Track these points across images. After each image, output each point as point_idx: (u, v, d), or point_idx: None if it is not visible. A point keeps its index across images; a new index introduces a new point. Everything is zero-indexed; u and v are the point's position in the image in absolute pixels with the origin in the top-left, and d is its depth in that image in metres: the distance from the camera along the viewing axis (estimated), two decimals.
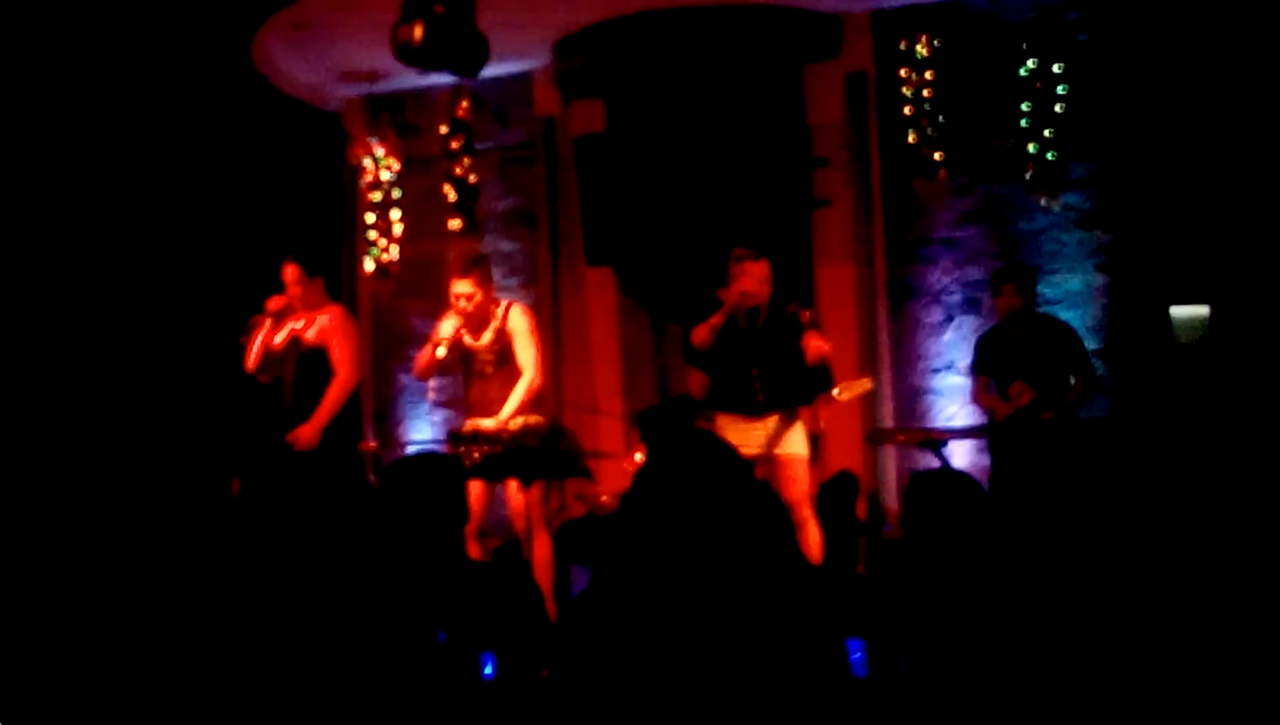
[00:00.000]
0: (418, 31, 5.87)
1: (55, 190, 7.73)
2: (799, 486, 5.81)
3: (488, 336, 5.88)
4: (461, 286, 5.86)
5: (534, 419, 5.85)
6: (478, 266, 5.99)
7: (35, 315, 7.64)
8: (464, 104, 8.49)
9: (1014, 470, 6.42)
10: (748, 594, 2.71)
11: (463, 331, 5.88)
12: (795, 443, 5.87)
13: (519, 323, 5.89)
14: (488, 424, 5.78)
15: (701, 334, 5.81)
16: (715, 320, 5.77)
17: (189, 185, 8.28)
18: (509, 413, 5.77)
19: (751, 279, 5.79)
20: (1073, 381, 6.52)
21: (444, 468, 3.59)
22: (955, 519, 3.87)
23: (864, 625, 3.79)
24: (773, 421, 5.84)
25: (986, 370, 6.66)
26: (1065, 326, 6.71)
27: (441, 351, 5.80)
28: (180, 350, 8.02)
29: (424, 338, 6.12)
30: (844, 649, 3.27)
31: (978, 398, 6.78)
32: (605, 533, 6.34)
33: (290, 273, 6.20)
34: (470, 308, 5.84)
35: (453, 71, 6.39)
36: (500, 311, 5.92)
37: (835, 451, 7.41)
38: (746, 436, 5.73)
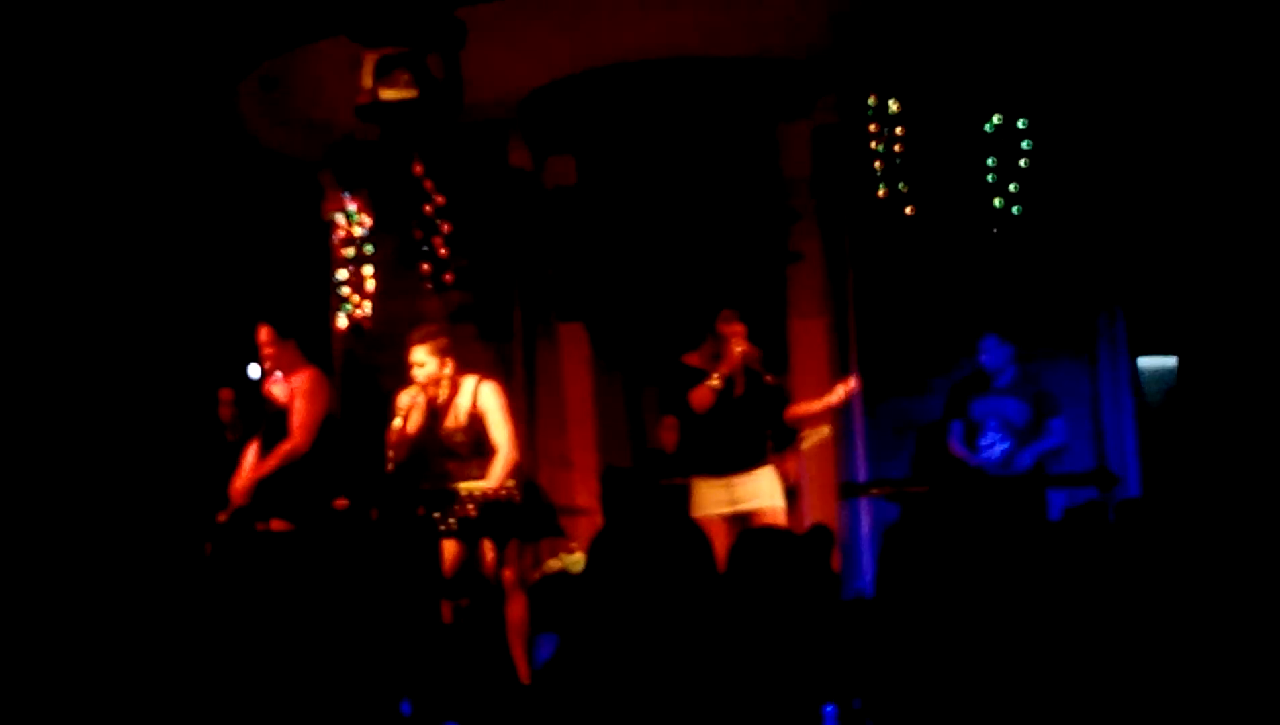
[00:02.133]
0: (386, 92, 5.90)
1: (43, 239, 7.71)
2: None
3: (460, 418, 5.75)
4: (415, 354, 5.76)
5: (507, 481, 5.77)
6: (433, 336, 5.89)
7: (12, 362, 7.60)
8: (434, 158, 8.49)
9: (978, 525, 6.41)
10: (715, 657, 2.70)
11: (428, 412, 5.77)
12: (774, 495, 5.89)
13: (490, 401, 5.76)
14: (463, 486, 5.69)
15: (705, 398, 5.77)
16: (716, 383, 5.77)
17: (171, 239, 8.28)
18: (494, 482, 5.62)
19: (743, 339, 5.82)
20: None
21: (419, 529, 3.56)
22: (929, 576, 3.87)
23: (838, 688, 3.78)
24: (750, 477, 5.85)
25: (958, 418, 6.68)
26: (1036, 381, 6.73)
27: (398, 422, 5.72)
28: (160, 402, 7.99)
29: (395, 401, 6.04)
30: (819, 715, 3.26)
31: (953, 447, 6.80)
32: (572, 595, 6.30)
33: (263, 334, 6.21)
34: (423, 378, 5.77)
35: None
36: (470, 391, 5.79)
37: (810, 504, 7.41)
38: (729, 493, 5.77)
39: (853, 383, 6.20)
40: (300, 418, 6.13)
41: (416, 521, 5.14)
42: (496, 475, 5.67)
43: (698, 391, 5.80)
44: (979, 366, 6.64)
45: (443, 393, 5.79)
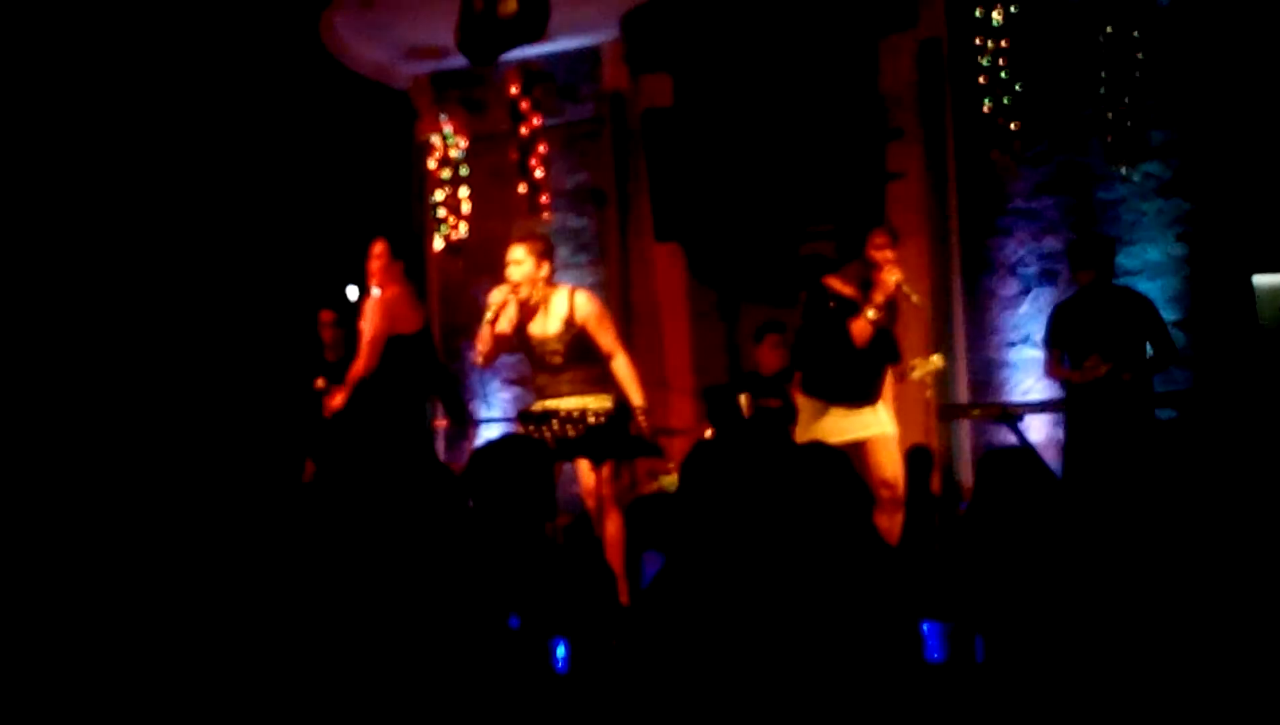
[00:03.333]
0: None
1: (133, 170, 7.81)
2: (896, 466, 5.76)
3: (555, 326, 5.69)
4: (514, 252, 5.73)
5: (605, 399, 5.76)
6: (533, 237, 5.89)
7: (114, 291, 7.74)
8: (531, 80, 8.46)
9: (1089, 444, 6.30)
10: (818, 576, 2.67)
11: (519, 315, 5.75)
12: (889, 422, 5.83)
13: (588, 309, 5.70)
14: (566, 404, 5.69)
15: (865, 331, 5.64)
16: (874, 315, 5.62)
17: (261, 167, 8.34)
18: (639, 397, 5.65)
19: (896, 265, 5.66)
20: (1150, 354, 6.40)
21: (534, 451, 3.56)
22: (1029, 497, 3.80)
23: (940, 607, 3.74)
24: (875, 408, 5.80)
25: (1060, 343, 6.54)
26: (1143, 298, 6.56)
27: (488, 316, 5.72)
28: (254, 331, 8.10)
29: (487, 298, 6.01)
30: (919, 632, 3.23)
31: (1051, 371, 6.66)
32: (672, 513, 6.30)
33: (378, 247, 6.30)
34: (518, 276, 5.72)
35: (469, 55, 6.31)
36: (565, 299, 5.73)
37: (909, 427, 7.32)
38: (853, 422, 5.69)
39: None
40: (364, 337, 6.22)
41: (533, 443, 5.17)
42: (632, 381, 5.67)
43: (857, 324, 5.63)
44: (1081, 286, 6.50)
45: (535, 295, 5.76)
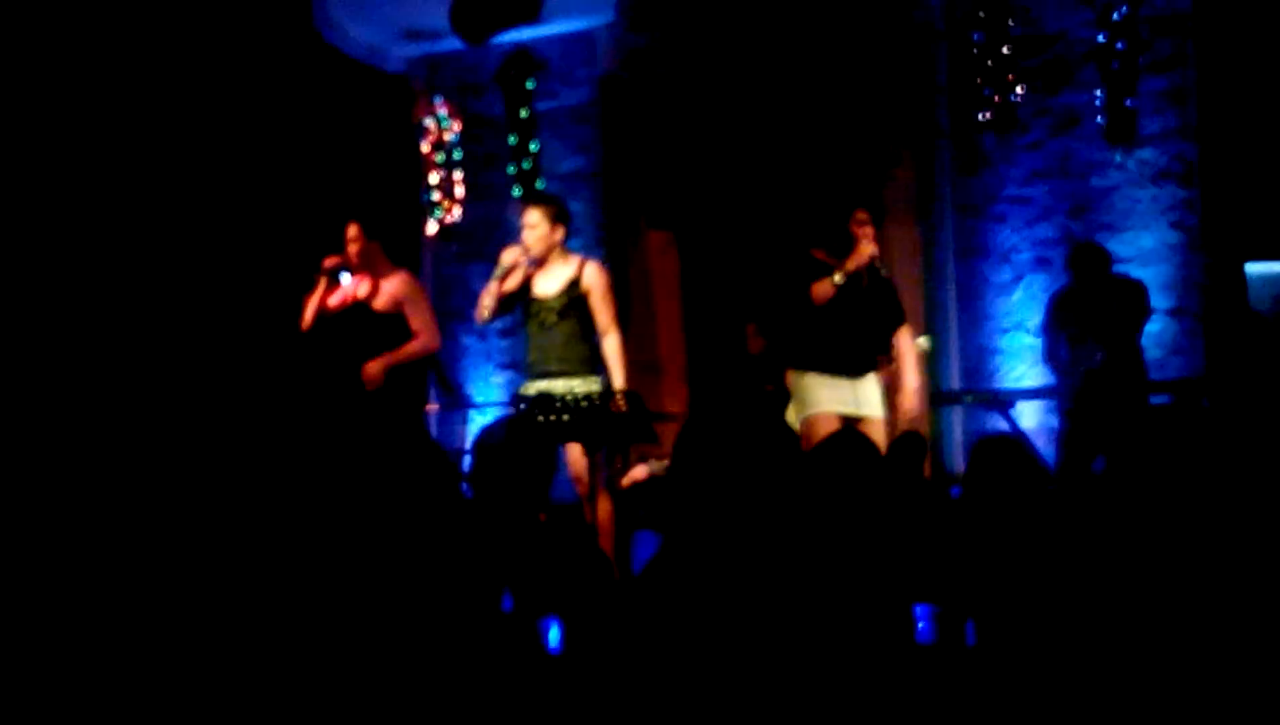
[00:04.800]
0: None
1: (121, 155, 7.77)
2: (881, 449, 5.79)
3: (556, 285, 5.76)
4: (529, 215, 5.80)
5: (593, 382, 5.79)
6: (548, 201, 5.98)
7: (100, 276, 7.71)
8: (525, 64, 8.45)
9: (1085, 431, 6.34)
10: (810, 559, 2.68)
11: (531, 272, 5.80)
12: (878, 404, 5.85)
13: (595, 280, 5.77)
14: (557, 387, 5.72)
15: (825, 291, 5.68)
16: (838, 278, 5.68)
17: (252, 151, 8.30)
18: (621, 380, 5.71)
19: (872, 240, 5.78)
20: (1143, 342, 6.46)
21: (535, 432, 3.57)
22: (1020, 482, 3.81)
23: (930, 590, 3.75)
24: (866, 381, 5.81)
25: (1059, 330, 6.57)
26: (1138, 286, 6.60)
27: (498, 272, 5.76)
28: (245, 319, 8.07)
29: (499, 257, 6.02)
30: (910, 615, 3.24)
31: (1050, 357, 6.70)
32: (663, 495, 6.32)
33: (352, 230, 6.28)
34: (532, 239, 5.78)
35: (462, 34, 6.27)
36: (575, 265, 5.80)
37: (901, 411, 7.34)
38: (838, 394, 5.70)
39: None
40: (422, 317, 6.23)
41: (534, 424, 5.18)
42: (617, 362, 5.74)
43: (819, 283, 5.70)
44: (1075, 277, 6.53)
45: (550, 257, 5.81)
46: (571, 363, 5.75)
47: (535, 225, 5.76)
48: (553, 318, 5.77)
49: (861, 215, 5.82)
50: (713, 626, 2.43)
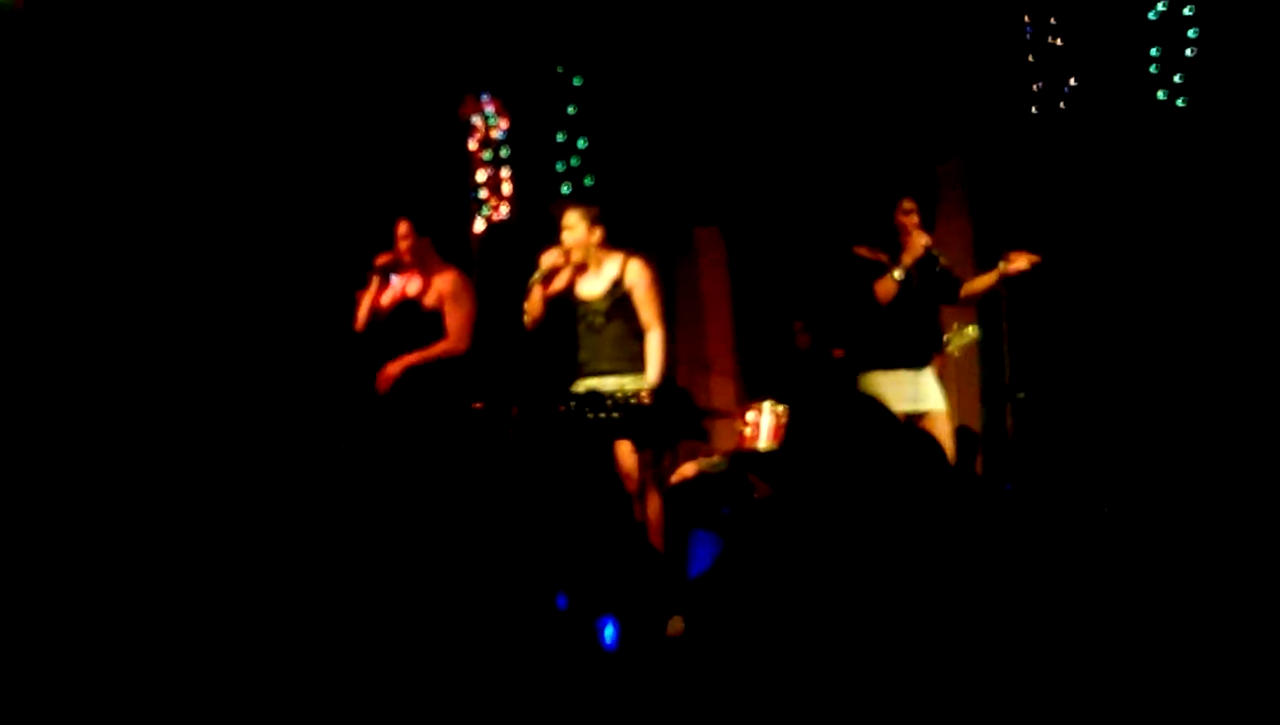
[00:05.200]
0: None
1: (177, 153, 7.83)
2: (948, 442, 5.72)
3: (601, 286, 5.75)
4: (568, 217, 5.80)
5: (643, 379, 5.74)
6: (588, 204, 5.95)
7: (153, 267, 7.76)
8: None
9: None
10: (908, 555, 2.66)
11: (573, 277, 5.79)
12: (940, 397, 5.78)
13: (638, 276, 5.73)
14: (606, 385, 5.70)
15: (889, 289, 5.62)
16: (899, 275, 5.61)
17: (302, 148, 8.33)
18: (655, 376, 5.66)
19: (922, 229, 5.71)
20: None
21: (590, 430, 3.56)
22: (1066, 476, 3.77)
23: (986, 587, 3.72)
24: (926, 374, 5.75)
25: None
26: None
27: (538, 276, 5.75)
28: (297, 312, 8.10)
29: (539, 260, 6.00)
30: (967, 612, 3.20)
31: None
32: (720, 490, 6.27)
33: (402, 228, 6.31)
34: (570, 241, 5.76)
35: None
36: (618, 263, 5.78)
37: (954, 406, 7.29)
38: (900, 390, 5.62)
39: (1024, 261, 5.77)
40: (455, 318, 6.23)
41: (560, 420, 5.18)
42: (656, 358, 5.68)
43: (882, 283, 5.63)
44: None
45: (590, 260, 5.79)
46: (622, 362, 5.72)
47: (573, 227, 5.76)
48: (600, 320, 5.76)
49: (908, 204, 5.75)
50: (789, 623, 2.41)
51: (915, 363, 5.71)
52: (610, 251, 5.83)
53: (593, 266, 5.79)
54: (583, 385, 5.78)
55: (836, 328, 5.98)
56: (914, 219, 5.72)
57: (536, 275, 5.78)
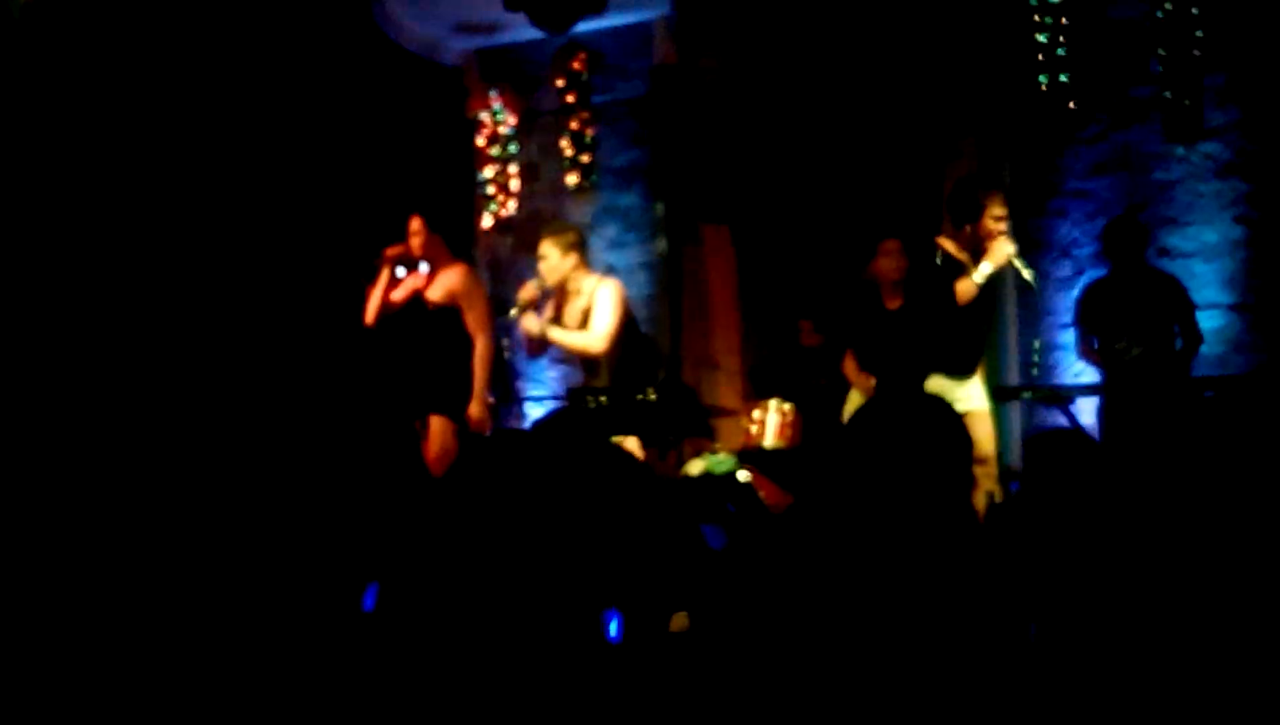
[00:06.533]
0: None
1: (188, 151, 7.85)
2: (991, 443, 5.71)
3: (578, 317, 5.75)
4: (542, 247, 5.80)
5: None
6: (561, 231, 5.91)
7: (159, 273, 7.78)
8: (580, 56, 8.45)
9: (1125, 429, 6.28)
10: (926, 555, 2.66)
11: (550, 310, 5.79)
12: (983, 397, 5.74)
13: (601, 296, 5.72)
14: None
15: (969, 291, 5.49)
16: (980, 280, 5.48)
17: (312, 143, 8.35)
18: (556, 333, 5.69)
19: (1008, 237, 5.57)
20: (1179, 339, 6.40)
21: (594, 423, 3.56)
22: (1078, 479, 3.77)
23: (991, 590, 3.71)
24: (973, 379, 5.72)
25: (1090, 323, 6.53)
26: (1173, 281, 6.55)
27: (514, 312, 5.77)
28: (305, 310, 8.12)
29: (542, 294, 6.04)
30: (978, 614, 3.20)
31: (1083, 352, 6.67)
32: (725, 487, 6.27)
33: (414, 224, 6.31)
34: (544, 270, 5.75)
35: (542, 23, 6.31)
36: (590, 290, 5.77)
37: None
38: (952, 392, 5.56)
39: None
40: (478, 315, 6.23)
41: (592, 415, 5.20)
42: (568, 336, 5.68)
43: (963, 283, 5.49)
44: (1110, 255, 6.49)
45: (569, 289, 5.78)
46: (619, 383, 5.73)
47: (547, 256, 5.76)
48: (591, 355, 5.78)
49: (998, 210, 5.56)
50: (799, 616, 2.41)
51: (966, 370, 5.65)
52: (588, 275, 5.84)
53: (572, 293, 5.79)
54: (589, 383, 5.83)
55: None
56: (1002, 226, 5.57)
57: (514, 311, 5.79)
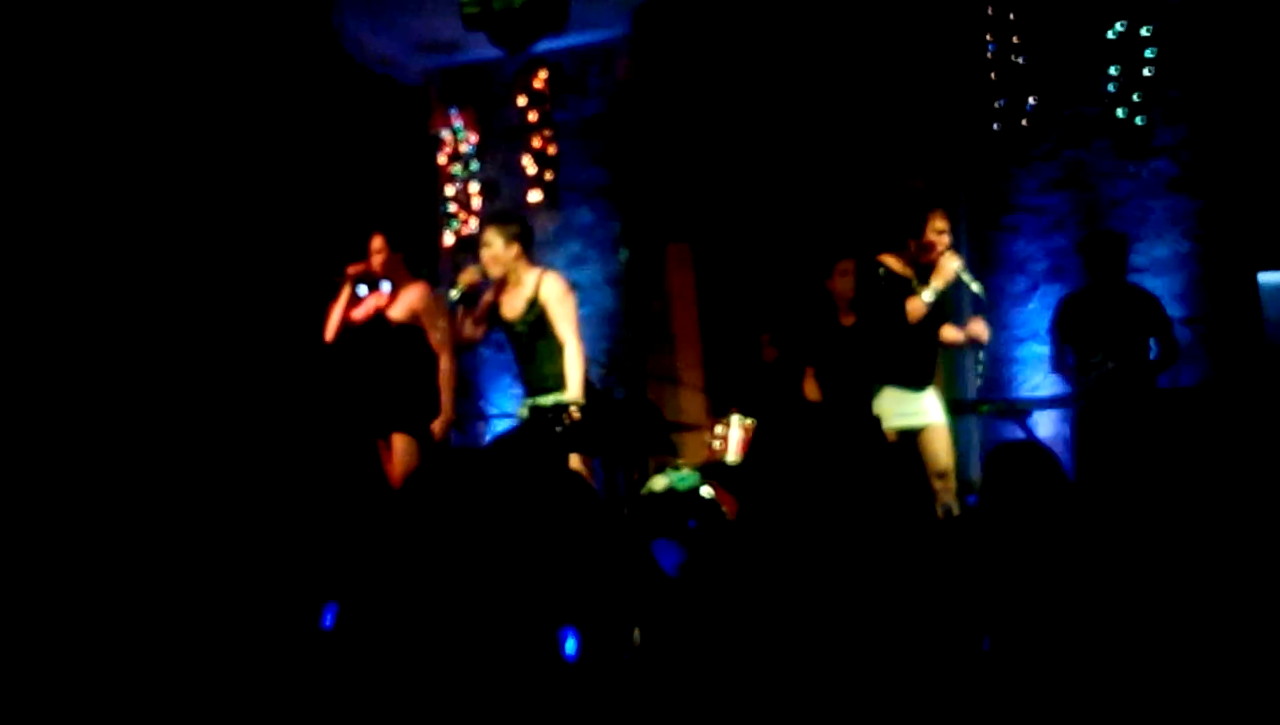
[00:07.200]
0: None
1: (145, 165, 7.83)
2: (950, 457, 5.77)
3: (520, 306, 5.77)
4: (486, 234, 5.84)
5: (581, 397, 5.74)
6: (505, 219, 5.96)
7: (119, 287, 7.76)
8: (541, 75, 8.50)
9: (1097, 440, 6.34)
10: (878, 565, 2.69)
11: (498, 295, 5.83)
12: (940, 411, 5.80)
13: (552, 290, 5.73)
14: (545, 402, 5.70)
15: (918, 310, 5.57)
16: (929, 298, 5.57)
17: (272, 161, 8.35)
18: (575, 392, 5.64)
19: (952, 252, 5.65)
20: (1154, 352, 6.47)
21: (546, 439, 3.58)
22: (1036, 492, 3.82)
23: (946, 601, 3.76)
24: (929, 392, 5.78)
25: (1067, 336, 6.60)
26: (1149, 296, 6.62)
27: (454, 293, 5.81)
28: (261, 324, 8.11)
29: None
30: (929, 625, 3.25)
31: (1058, 364, 6.74)
32: (686, 502, 6.31)
33: (376, 242, 6.34)
34: (486, 257, 5.79)
35: (502, 43, 6.38)
36: (534, 281, 5.79)
37: None
38: (908, 406, 5.65)
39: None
40: (441, 333, 6.23)
41: (545, 431, 5.21)
42: (575, 374, 5.66)
43: (912, 303, 5.58)
44: (1089, 267, 6.57)
45: (510, 276, 5.82)
46: (554, 378, 5.74)
47: (490, 243, 5.80)
48: (523, 339, 5.81)
49: (940, 223, 5.63)
50: (755, 631, 2.45)
51: (920, 382, 5.72)
52: (530, 268, 5.86)
53: (513, 284, 5.82)
54: (524, 407, 5.86)
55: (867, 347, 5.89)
56: (945, 239, 5.65)
57: (454, 292, 5.83)
